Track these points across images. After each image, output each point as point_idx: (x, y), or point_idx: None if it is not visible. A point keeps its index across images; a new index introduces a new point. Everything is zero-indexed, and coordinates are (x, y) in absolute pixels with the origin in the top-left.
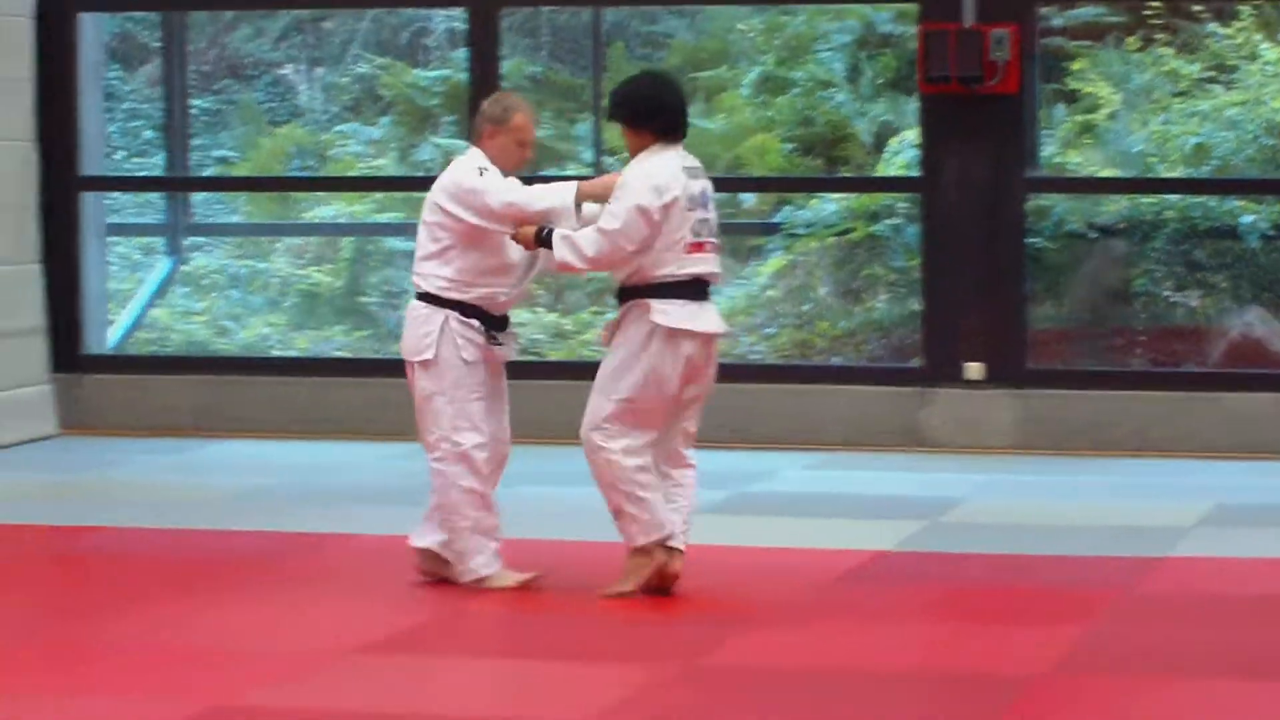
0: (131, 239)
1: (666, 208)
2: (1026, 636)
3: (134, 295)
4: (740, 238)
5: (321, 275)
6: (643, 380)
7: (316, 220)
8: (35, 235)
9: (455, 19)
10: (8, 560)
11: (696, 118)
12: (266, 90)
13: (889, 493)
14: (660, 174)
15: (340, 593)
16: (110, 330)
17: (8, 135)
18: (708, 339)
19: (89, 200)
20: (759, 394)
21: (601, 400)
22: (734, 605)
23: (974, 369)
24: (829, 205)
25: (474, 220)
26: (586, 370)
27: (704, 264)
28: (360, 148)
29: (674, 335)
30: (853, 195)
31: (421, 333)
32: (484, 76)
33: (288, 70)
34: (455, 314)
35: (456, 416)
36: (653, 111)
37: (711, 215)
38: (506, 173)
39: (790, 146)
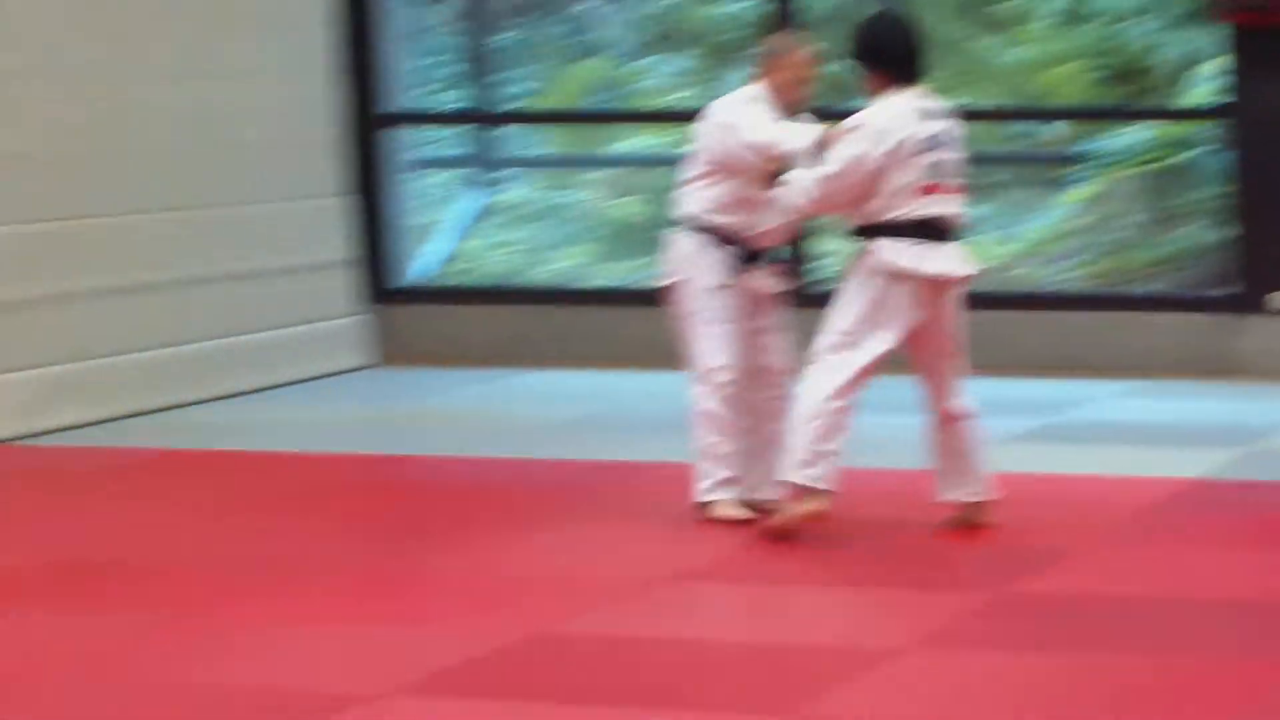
0: (443, 172)
1: (890, 153)
2: None
3: (445, 228)
4: (1049, 168)
5: (629, 206)
6: (862, 316)
7: (624, 152)
8: (339, 170)
9: None
10: (326, 489)
11: (1000, 50)
12: (570, 24)
13: (1202, 420)
14: (884, 119)
15: (652, 521)
16: (423, 262)
17: (312, 71)
18: (938, 282)
19: (398, 135)
20: (1071, 322)
21: (823, 339)
22: (1046, 533)
23: None
24: (1138, 134)
25: (728, 152)
26: None
27: (939, 205)
28: (665, 80)
29: (898, 276)
30: (1162, 123)
31: (677, 256)
32: (786, 9)
33: (592, 3)
34: (710, 239)
35: (703, 338)
36: (883, 53)
37: (953, 156)
38: (784, 108)
39: (1096, 76)
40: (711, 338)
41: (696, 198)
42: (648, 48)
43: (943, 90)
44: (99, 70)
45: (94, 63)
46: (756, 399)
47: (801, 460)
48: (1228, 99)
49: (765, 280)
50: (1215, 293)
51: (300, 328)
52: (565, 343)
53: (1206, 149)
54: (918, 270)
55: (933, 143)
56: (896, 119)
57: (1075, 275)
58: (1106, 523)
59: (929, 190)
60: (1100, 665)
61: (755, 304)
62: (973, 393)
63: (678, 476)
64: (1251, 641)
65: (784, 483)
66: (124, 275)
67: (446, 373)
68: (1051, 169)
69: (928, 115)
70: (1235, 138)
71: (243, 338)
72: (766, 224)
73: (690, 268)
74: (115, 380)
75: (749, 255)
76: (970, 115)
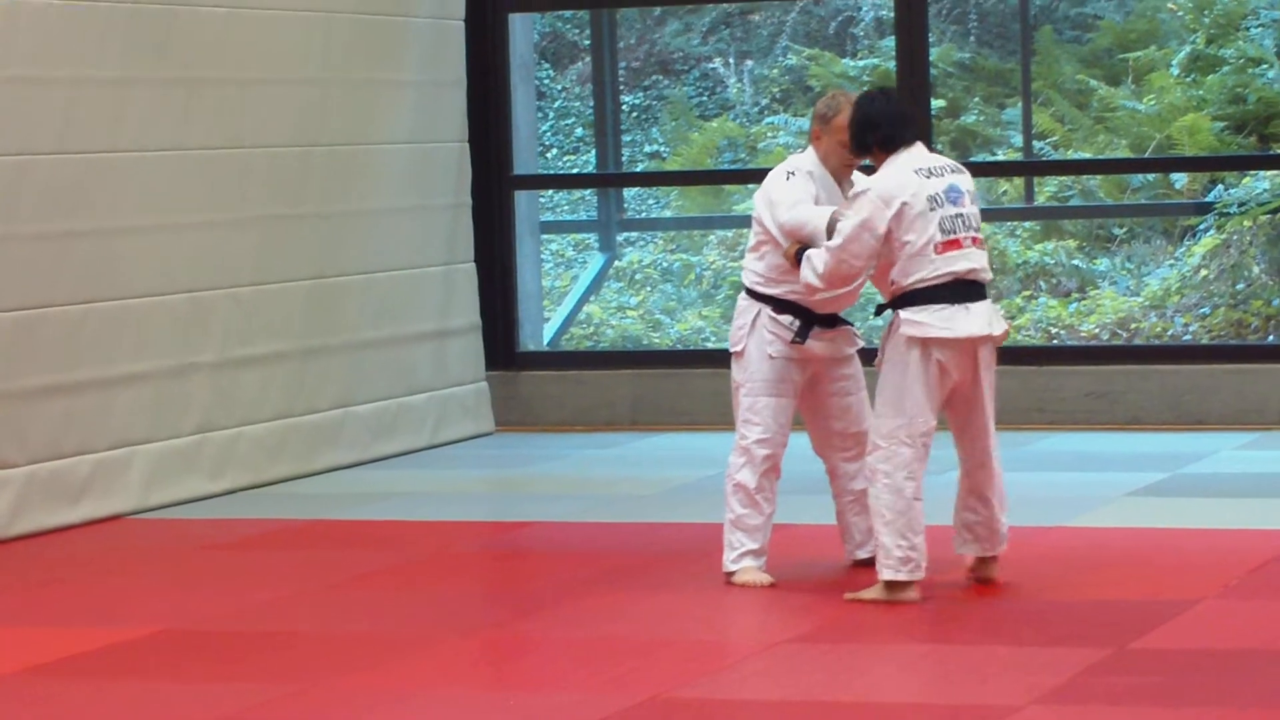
0: (564, 236)
1: (897, 216)
2: None
3: (568, 291)
4: (1172, 218)
5: None
6: (907, 393)
7: (748, 212)
8: (469, 234)
9: (882, 7)
10: (449, 556)
11: (1126, 99)
12: (695, 84)
13: None
14: (885, 184)
15: (777, 583)
16: (545, 327)
17: (442, 136)
18: (969, 344)
19: (522, 199)
20: (1194, 374)
21: (878, 424)
22: (1169, 587)
23: None
24: (1261, 183)
25: (769, 227)
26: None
27: (962, 260)
28: (790, 139)
29: (928, 345)
30: None
31: (737, 324)
32: (912, 64)
33: (716, 64)
34: (769, 309)
35: (748, 410)
36: (865, 130)
37: (966, 210)
38: (834, 172)
39: (1221, 125)
40: (753, 410)
41: (754, 266)
42: (773, 106)
43: (1066, 142)
44: (224, 137)
45: (219, 131)
46: (841, 462)
47: (898, 559)
48: None
49: (830, 346)
50: None
51: (424, 395)
52: (692, 405)
53: None
54: (948, 334)
55: (943, 199)
56: (898, 180)
57: (1197, 327)
58: (1229, 576)
59: (947, 246)
60: None
61: (823, 369)
62: (1095, 447)
63: (797, 539)
64: None
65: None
66: (247, 346)
67: (570, 437)
68: (1176, 220)
69: (932, 173)
70: None
71: (366, 406)
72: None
73: (746, 337)
74: (236, 451)
75: (810, 322)
76: (1095, 166)
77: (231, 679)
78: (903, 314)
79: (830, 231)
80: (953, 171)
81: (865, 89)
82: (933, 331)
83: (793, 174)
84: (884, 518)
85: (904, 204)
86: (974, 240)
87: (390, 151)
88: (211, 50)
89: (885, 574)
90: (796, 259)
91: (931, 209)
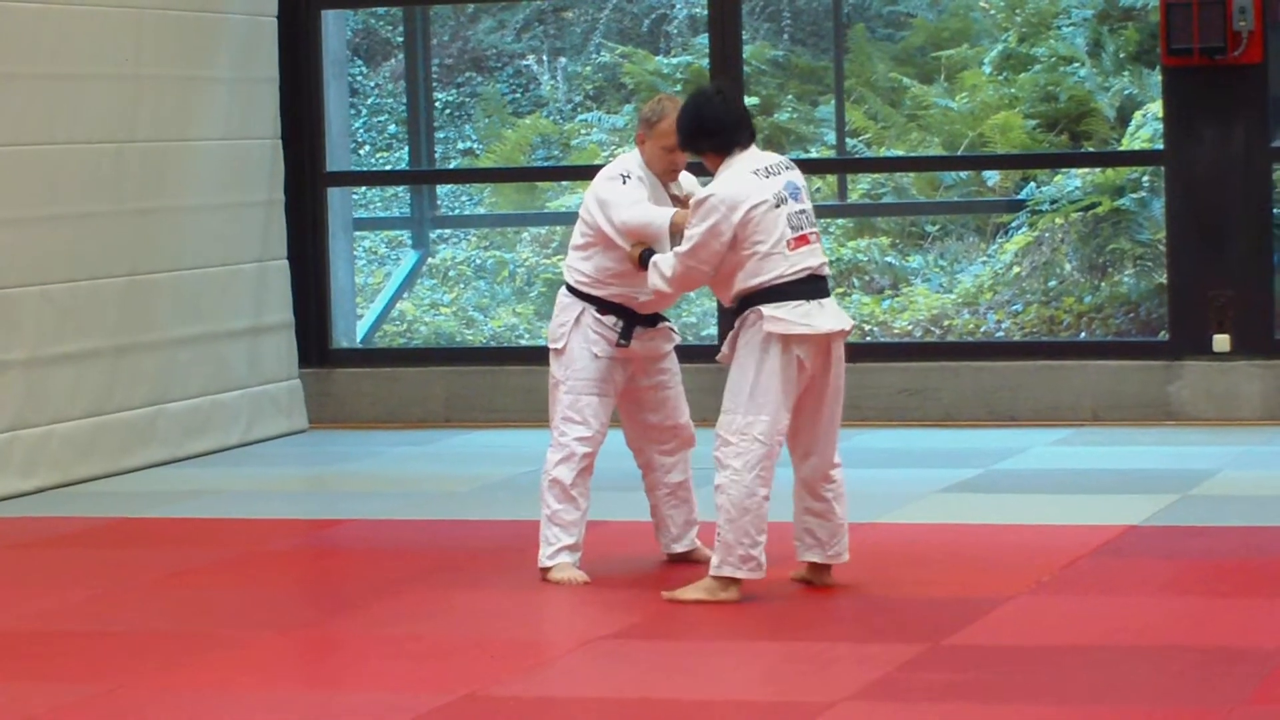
0: (377, 233)
1: (744, 221)
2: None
3: (381, 289)
4: (985, 215)
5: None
6: (769, 395)
7: (561, 209)
8: (282, 231)
9: (696, 4)
10: (261, 554)
11: (939, 97)
12: (509, 81)
13: (1138, 467)
14: (727, 190)
15: (592, 579)
16: (358, 324)
17: (254, 133)
18: (826, 340)
19: (335, 195)
20: (1006, 371)
21: (727, 419)
22: (982, 583)
23: (1222, 341)
24: (1073, 181)
25: (604, 227)
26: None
27: (812, 256)
28: (603, 136)
29: (789, 341)
30: (1097, 170)
31: (559, 321)
32: (725, 62)
33: (530, 61)
34: (593, 308)
35: (569, 408)
36: (702, 133)
37: (806, 205)
38: (660, 175)
39: (1033, 123)
40: (575, 408)
41: (579, 266)
42: (587, 104)
43: (879, 140)
44: (36, 133)
45: (31, 127)
46: (657, 455)
47: (739, 556)
48: (1162, 145)
49: (650, 344)
50: (1149, 339)
51: (237, 392)
52: (506, 402)
53: (1141, 195)
54: (809, 330)
55: (784, 196)
56: (741, 186)
57: (1009, 324)
58: (1041, 572)
59: (798, 243)
60: (1034, 716)
61: (641, 366)
62: (908, 444)
63: (611, 536)
64: (1185, 688)
65: (715, 572)
66: (59, 343)
67: (384, 434)
68: (988, 217)
69: (770, 172)
70: (1168, 183)
71: (179, 404)
72: (648, 293)
73: (568, 335)
74: (47, 450)
75: (633, 322)
76: (908, 164)
77: (41, 678)
78: (764, 310)
79: (674, 235)
80: (786, 169)
81: (701, 87)
82: (795, 329)
83: (627, 177)
84: (729, 514)
85: (750, 209)
86: (815, 236)
87: (204, 148)
88: (23, 45)
89: (724, 570)
90: (641, 261)
91: (778, 206)
